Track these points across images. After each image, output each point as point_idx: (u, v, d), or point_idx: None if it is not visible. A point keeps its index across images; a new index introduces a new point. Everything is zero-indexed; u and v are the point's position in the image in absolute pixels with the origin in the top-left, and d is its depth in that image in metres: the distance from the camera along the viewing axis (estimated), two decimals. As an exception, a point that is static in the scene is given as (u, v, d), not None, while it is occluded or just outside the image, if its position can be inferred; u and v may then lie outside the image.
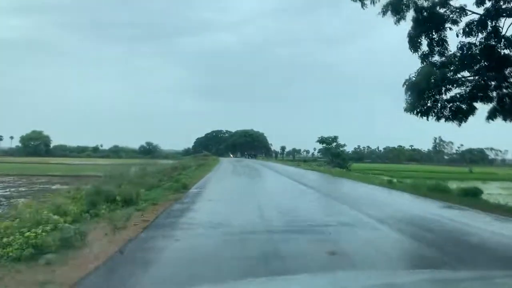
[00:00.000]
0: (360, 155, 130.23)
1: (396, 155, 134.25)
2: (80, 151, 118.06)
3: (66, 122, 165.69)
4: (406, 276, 1.99)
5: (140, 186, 12.94)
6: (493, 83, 14.03)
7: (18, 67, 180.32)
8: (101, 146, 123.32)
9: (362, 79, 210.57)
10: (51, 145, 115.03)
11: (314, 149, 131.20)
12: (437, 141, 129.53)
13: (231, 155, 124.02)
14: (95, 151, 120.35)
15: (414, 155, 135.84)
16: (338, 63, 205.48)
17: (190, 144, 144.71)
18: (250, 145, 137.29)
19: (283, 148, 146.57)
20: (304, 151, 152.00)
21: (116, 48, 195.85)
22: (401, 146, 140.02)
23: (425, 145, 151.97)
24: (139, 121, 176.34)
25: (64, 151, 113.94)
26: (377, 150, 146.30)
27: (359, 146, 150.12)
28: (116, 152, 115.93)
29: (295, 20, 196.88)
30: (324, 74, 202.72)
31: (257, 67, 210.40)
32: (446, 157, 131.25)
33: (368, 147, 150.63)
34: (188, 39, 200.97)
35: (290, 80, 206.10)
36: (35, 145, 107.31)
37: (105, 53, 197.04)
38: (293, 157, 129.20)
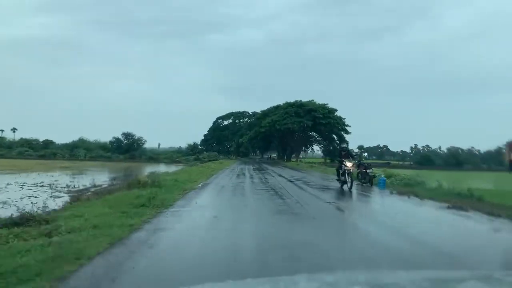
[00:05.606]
0: (455, 158, 73.44)
1: (494, 157, 75.20)
2: (19, 145, 71.46)
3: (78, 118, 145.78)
4: (406, 276, 2.02)
5: None
6: None
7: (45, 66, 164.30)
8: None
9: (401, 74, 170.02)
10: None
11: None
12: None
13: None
14: (46, 147, 73.37)
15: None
16: (376, 58, 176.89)
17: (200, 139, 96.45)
18: (304, 133, 66.33)
19: (360, 148, 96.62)
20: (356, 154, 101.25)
21: (143, 45, 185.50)
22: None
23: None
24: (169, 119, 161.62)
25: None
26: (439, 150, 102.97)
27: (416, 145, 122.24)
28: (72, 148, 68.35)
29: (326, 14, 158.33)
30: (361, 70, 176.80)
31: (287, 62, 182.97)
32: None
33: (427, 146, 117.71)
34: (216, 35, 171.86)
35: (325, 75, 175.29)
36: None
37: (131, 50, 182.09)
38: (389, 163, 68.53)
